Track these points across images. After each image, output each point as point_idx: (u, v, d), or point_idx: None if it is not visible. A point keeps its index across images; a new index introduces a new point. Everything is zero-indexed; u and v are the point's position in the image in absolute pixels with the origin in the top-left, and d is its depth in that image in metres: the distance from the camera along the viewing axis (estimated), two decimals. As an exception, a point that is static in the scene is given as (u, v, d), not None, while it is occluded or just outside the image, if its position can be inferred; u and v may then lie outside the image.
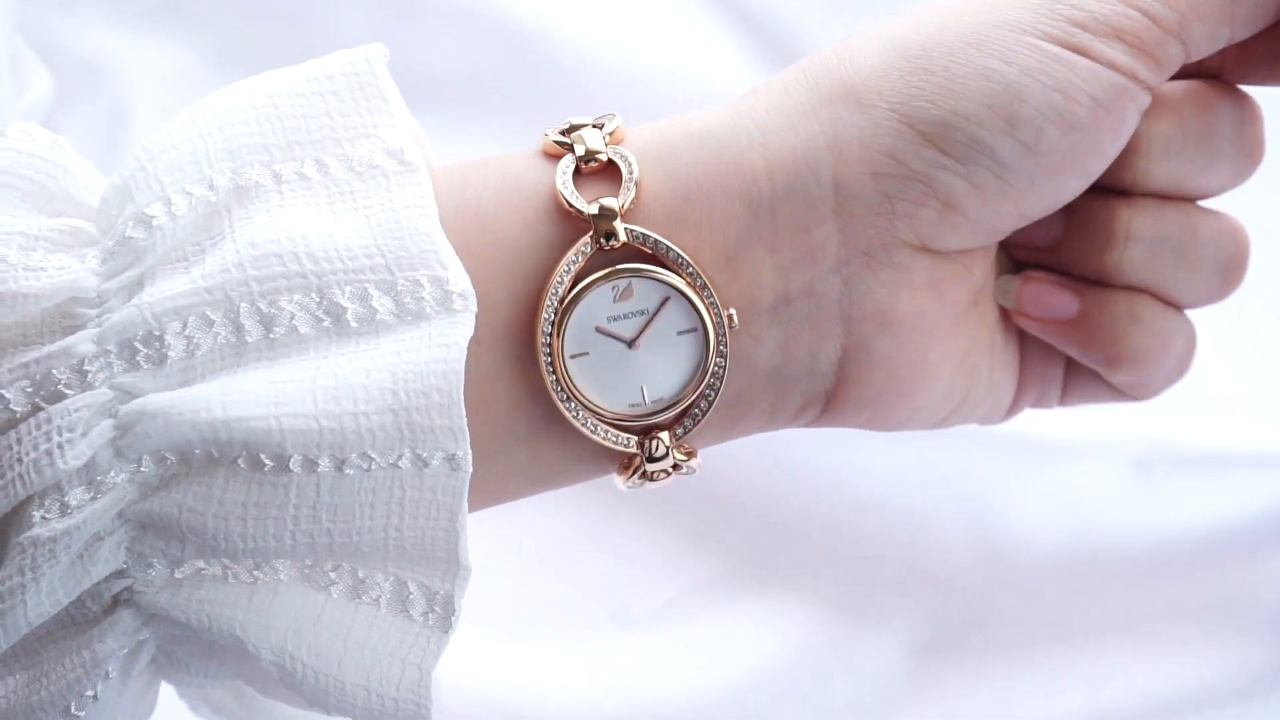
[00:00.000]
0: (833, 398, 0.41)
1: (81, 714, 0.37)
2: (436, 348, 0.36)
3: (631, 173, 0.39)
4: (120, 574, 0.37)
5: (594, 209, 0.39)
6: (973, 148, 0.39)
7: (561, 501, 0.58)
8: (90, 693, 0.37)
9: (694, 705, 0.56)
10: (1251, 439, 0.58)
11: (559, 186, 0.39)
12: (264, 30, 0.62)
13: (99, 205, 0.39)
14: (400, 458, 0.36)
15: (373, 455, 0.36)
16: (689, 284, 0.39)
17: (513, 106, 0.61)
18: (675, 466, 0.41)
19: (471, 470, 0.36)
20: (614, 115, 0.41)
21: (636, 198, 0.39)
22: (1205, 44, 0.40)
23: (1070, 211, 0.43)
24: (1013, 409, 0.45)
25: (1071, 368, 0.45)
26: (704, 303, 0.39)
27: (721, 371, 0.40)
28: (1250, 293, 0.64)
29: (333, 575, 0.38)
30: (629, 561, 0.58)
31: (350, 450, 0.36)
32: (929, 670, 0.58)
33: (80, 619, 0.37)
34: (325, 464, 0.36)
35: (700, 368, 0.40)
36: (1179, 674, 0.57)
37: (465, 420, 0.36)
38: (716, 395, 0.40)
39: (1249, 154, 0.43)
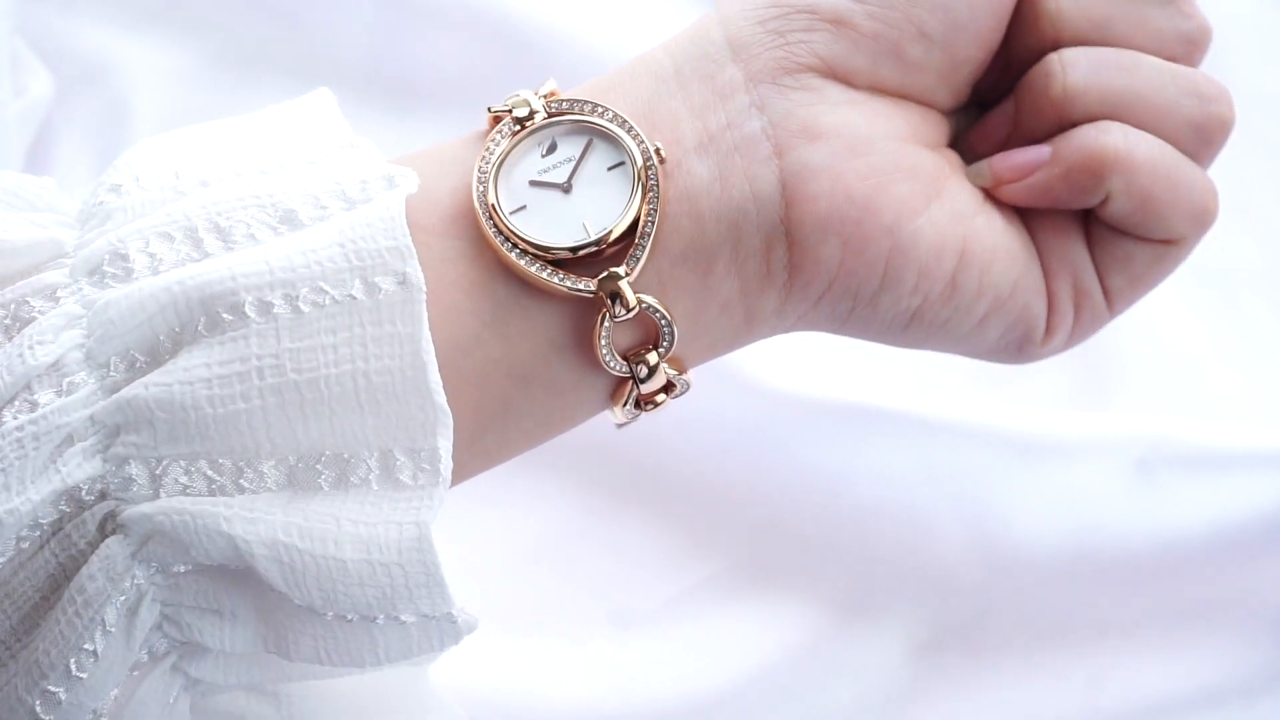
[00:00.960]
0: (791, 222, 0.41)
1: (84, 675, 0.36)
2: (379, 207, 0.38)
3: (548, 82, 0.43)
4: (103, 496, 0.37)
5: (514, 103, 0.42)
6: None
7: (561, 501, 0.58)
8: (89, 646, 0.36)
9: (694, 705, 0.56)
10: (1251, 439, 0.58)
11: (489, 109, 0.42)
12: (264, 30, 0.62)
13: (80, 208, 0.41)
14: (352, 287, 0.37)
15: (325, 288, 0.37)
16: (610, 122, 0.42)
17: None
18: (667, 386, 0.42)
19: (424, 289, 0.37)
20: (552, 84, 0.43)
21: (553, 93, 0.42)
22: None
23: (1017, 95, 0.44)
24: (1053, 310, 0.44)
25: (1099, 247, 0.45)
26: (625, 132, 0.41)
27: (655, 185, 0.41)
28: (1250, 292, 0.64)
29: (320, 468, 0.38)
30: (629, 561, 0.58)
31: (301, 285, 0.37)
32: (929, 670, 0.58)
33: (71, 567, 0.37)
34: (280, 304, 0.37)
35: (633, 187, 0.41)
36: (1179, 674, 0.57)
37: (409, 239, 0.37)
38: (655, 216, 0.41)
39: None
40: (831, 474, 0.58)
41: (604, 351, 0.41)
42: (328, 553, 0.37)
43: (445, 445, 0.38)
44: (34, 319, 0.37)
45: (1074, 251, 0.45)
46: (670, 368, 0.41)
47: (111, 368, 0.37)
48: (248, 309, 0.37)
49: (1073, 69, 0.43)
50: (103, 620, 0.36)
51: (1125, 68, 0.43)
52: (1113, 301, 0.45)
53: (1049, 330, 0.45)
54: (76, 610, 0.36)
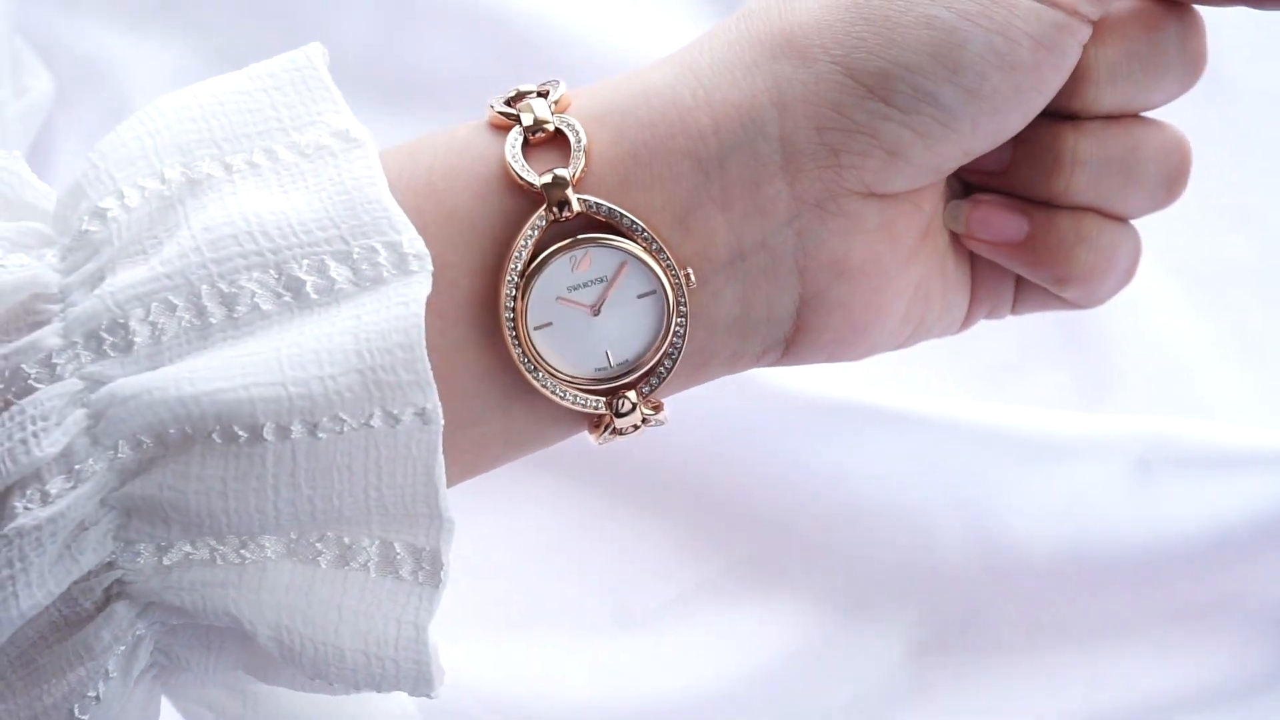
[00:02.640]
0: (791, 342, 0.42)
1: (85, 717, 0.37)
2: (395, 306, 0.37)
3: (580, 141, 0.40)
4: (110, 566, 0.37)
5: (546, 180, 0.39)
6: (916, 97, 0.40)
7: (561, 501, 0.58)
8: (92, 694, 0.37)
9: (694, 705, 0.56)
10: (1251, 439, 0.58)
11: (509, 160, 0.40)
12: (264, 30, 0.62)
13: (55, 208, 0.39)
14: (371, 417, 0.36)
15: (344, 417, 0.36)
16: (644, 248, 0.40)
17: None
18: (643, 421, 0.42)
19: (442, 423, 0.37)
20: (559, 82, 0.41)
21: (586, 165, 0.40)
22: None
23: (1018, 138, 0.43)
24: (966, 322, 0.46)
25: (1021, 280, 0.46)
26: (660, 265, 0.40)
27: (683, 330, 0.41)
28: (1249, 292, 0.64)
29: (319, 546, 0.38)
30: (629, 561, 0.58)
31: (321, 414, 0.36)
32: (928, 670, 0.58)
33: (74, 619, 0.37)
34: (298, 430, 0.36)
35: (662, 328, 0.41)
36: (1179, 674, 0.57)
37: (430, 373, 0.36)
38: (680, 353, 0.41)
39: (1193, 67, 0.43)
40: (831, 474, 0.58)
41: (600, 441, 0.42)
42: (328, 640, 0.38)
43: (448, 552, 0.38)
44: (31, 389, 0.37)
45: (1002, 286, 0.46)
46: (647, 407, 0.42)
47: (119, 450, 0.36)
48: (265, 433, 0.36)
49: (1080, 170, 0.43)
50: (106, 670, 0.37)
51: (1126, 167, 0.43)
52: (1016, 313, 0.47)
53: (956, 333, 0.46)
54: (83, 663, 0.37)
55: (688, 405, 0.52)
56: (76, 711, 0.37)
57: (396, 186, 0.39)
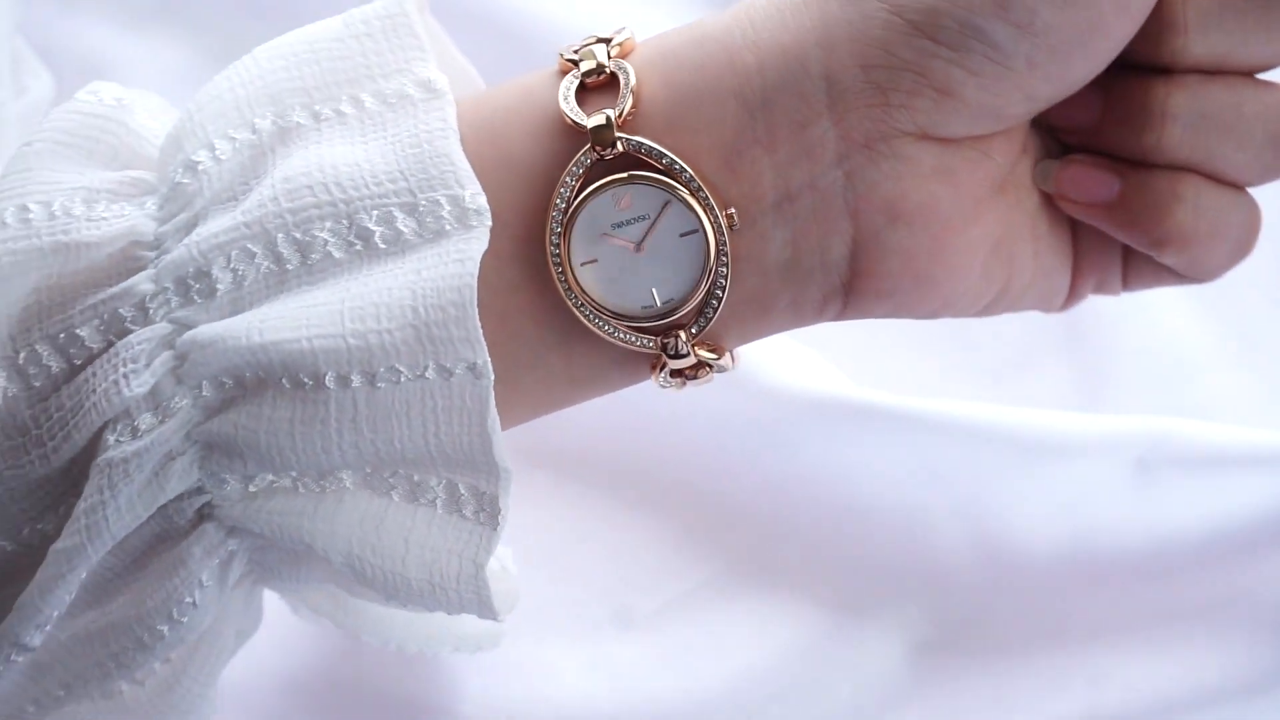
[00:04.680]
0: (851, 290, 0.42)
1: (184, 619, 0.41)
2: (452, 263, 0.38)
3: (628, 83, 0.40)
4: (200, 490, 0.40)
5: (596, 119, 0.40)
6: (963, 33, 0.39)
7: (562, 501, 0.58)
8: (189, 599, 0.41)
9: (694, 705, 0.56)
10: (1251, 439, 0.58)
11: (560, 102, 0.41)
12: (264, 30, 0.61)
13: (158, 156, 0.42)
14: (426, 369, 0.38)
15: (400, 368, 0.38)
16: (684, 187, 0.40)
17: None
18: (704, 365, 0.42)
19: (493, 377, 0.38)
20: (625, 29, 0.42)
21: (635, 107, 0.40)
22: None
23: (1109, 91, 0.42)
24: (1072, 296, 0.45)
25: (1131, 252, 0.45)
26: (700, 204, 0.40)
27: (726, 270, 0.41)
28: (1250, 291, 0.64)
29: (391, 480, 0.41)
30: (629, 561, 0.58)
31: (378, 365, 0.38)
32: (929, 670, 0.58)
33: (173, 534, 0.41)
34: (357, 380, 0.38)
35: (705, 267, 0.41)
36: (1179, 674, 0.57)
37: (480, 330, 0.38)
38: (725, 294, 0.41)
39: None
40: (831, 473, 0.58)
41: (662, 381, 0.42)
42: (395, 569, 0.41)
43: (505, 500, 0.40)
44: (128, 331, 0.39)
45: (1109, 260, 0.45)
46: (703, 350, 0.42)
47: (203, 390, 0.39)
48: (328, 381, 0.38)
49: (1172, 124, 0.41)
50: (200, 579, 0.41)
51: (1225, 124, 0.42)
52: (1129, 289, 0.46)
53: (1062, 309, 0.46)
54: (178, 573, 0.41)
55: (688, 405, 0.52)
56: (175, 614, 0.41)
57: (464, 134, 0.40)
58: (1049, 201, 0.44)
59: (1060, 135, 0.44)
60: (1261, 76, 0.43)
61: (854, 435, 0.58)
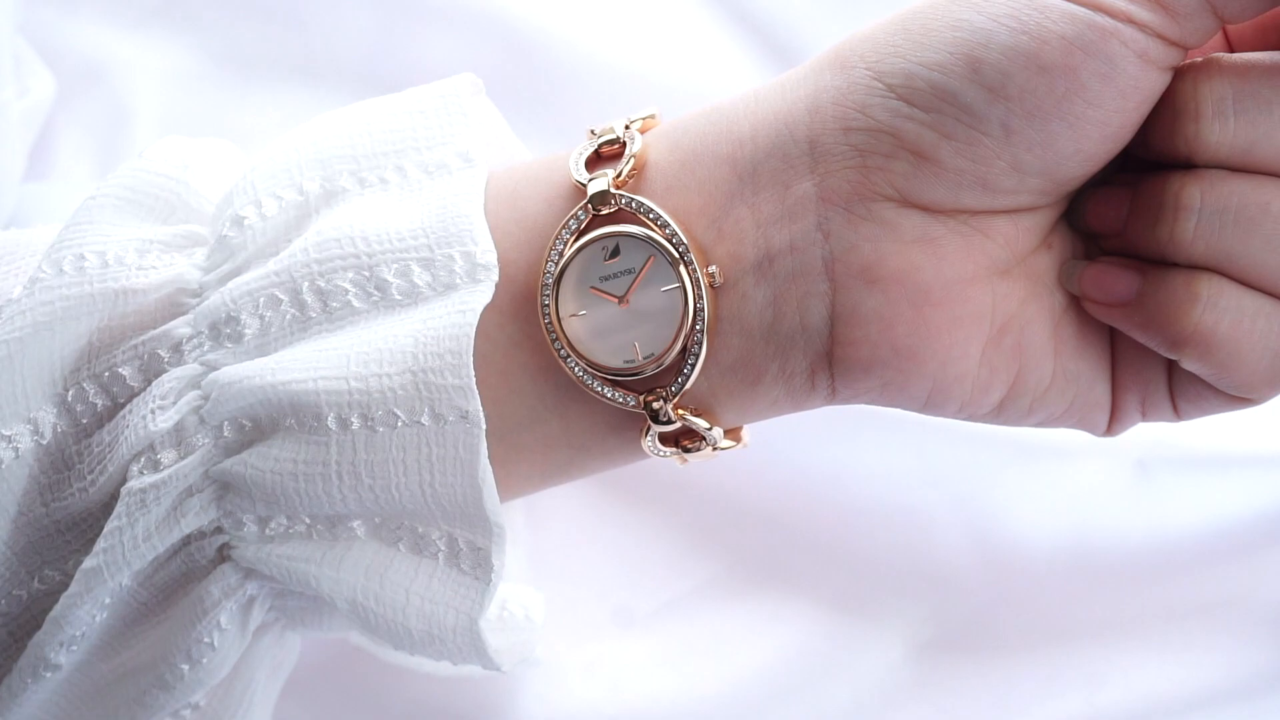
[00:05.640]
0: (834, 359, 0.42)
1: (203, 660, 0.42)
2: (455, 314, 0.40)
3: (631, 148, 0.42)
4: (219, 530, 0.42)
5: (592, 180, 0.42)
6: (935, 95, 0.39)
7: (561, 502, 0.58)
8: (207, 640, 0.42)
9: (694, 705, 0.56)
10: (1251, 439, 0.58)
11: (570, 165, 0.43)
12: (264, 30, 0.62)
13: (213, 211, 0.44)
14: (421, 415, 0.40)
15: (397, 413, 0.40)
16: (667, 241, 0.41)
17: (513, 107, 0.61)
18: (694, 434, 0.43)
19: (484, 426, 0.40)
20: (654, 114, 0.44)
21: (638, 169, 0.42)
22: None
23: (1136, 189, 0.41)
24: (1117, 416, 0.44)
25: (1175, 370, 0.43)
26: (681, 258, 0.41)
27: (702, 326, 0.41)
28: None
29: (398, 532, 0.42)
30: (629, 561, 0.58)
31: (376, 408, 0.40)
32: (929, 670, 0.58)
33: (196, 573, 0.43)
34: (356, 422, 0.40)
35: (682, 321, 0.41)
36: (1179, 674, 0.57)
37: (474, 379, 0.39)
38: (701, 349, 0.41)
39: None
40: (831, 474, 0.58)
41: (649, 446, 0.43)
42: (396, 619, 0.42)
43: (498, 557, 0.41)
44: (164, 370, 0.42)
45: (1151, 371, 0.43)
46: (691, 415, 0.43)
47: (224, 430, 0.41)
48: (329, 422, 0.40)
49: (1185, 217, 0.40)
50: (218, 622, 0.42)
51: (1247, 221, 0.39)
52: (1181, 417, 0.44)
53: (1109, 430, 0.44)
54: (197, 613, 0.42)
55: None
56: (194, 654, 0.42)
57: (488, 197, 0.42)
58: (1078, 306, 0.43)
59: (1101, 242, 0.43)
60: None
61: (854, 435, 0.58)
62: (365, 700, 0.55)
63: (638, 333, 0.42)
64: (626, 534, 0.59)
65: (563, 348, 0.42)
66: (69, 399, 0.42)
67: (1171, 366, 0.43)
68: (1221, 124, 0.39)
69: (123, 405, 0.42)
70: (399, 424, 0.40)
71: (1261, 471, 0.57)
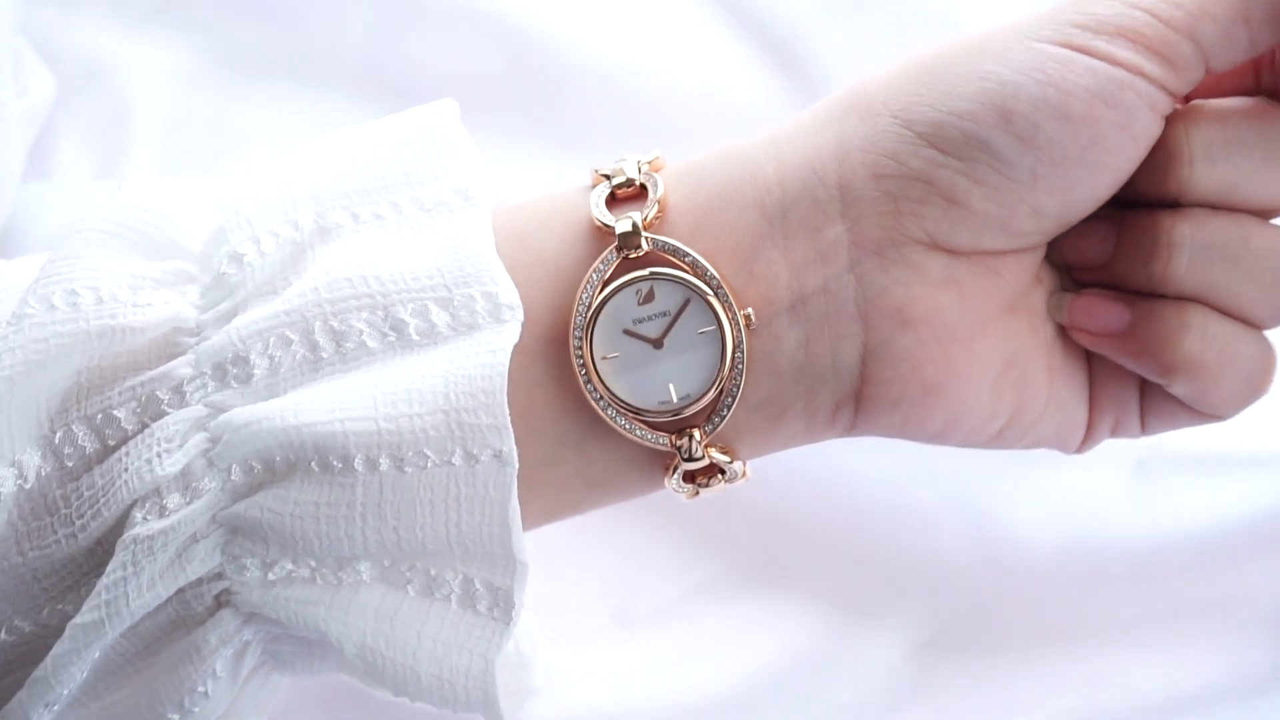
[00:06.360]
0: (862, 397, 0.43)
1: (195, 709, 0.41)
2: (484, 353, 0.40)
3: (656, 191, 0.42)
4: (219, 576, 0.41)
5: (623, 223, 0.42)
6: (968, 143, 0.41)
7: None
8: (201, 688, 0.41)
9: (694, 705, 0.56)
10: (1251, 439, 0.58)
11: (591, 207, 0.43)
12: (264, 30, 0.62)
13: (201, 248, 0.43)
14: (453, 455, 0.39)
15: (428, 453, 0.39)
16: (707, 284, 0.42)
17: (513, 108, 0.61)
18: (715, 469, 0.43)
19: (518, 466, 0.39)
20: (657, 153, 0.44)
21: (661, 213, 0.42)
22: (1223, 45, 0.41)
23: (1122, 227, 0.43)
24: (1090, 435, 0.46)
25: (1147, 391, 0.46)
26: (720, 301, 0.42)
27: (741, 366, 0.42)
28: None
29: (408, 574, 0.41)
30: (630, 561, 0.58)
31: (407, 449, 0.39)
32: (929, 670, 0.58)
33: (189, 620, 0.41)
34: (385, 463, 0.39)
35: (721, 364, 0.42)
36: (1179, 674, 0.57)
37: (508, 418, 0.39)
38: (739, 390, 0.42)
39: None
40: (831, 474, 0.58)
41: (674, 484, 0.44)
42: (406, 662, 0.41)
43: (520, 595, 0.41)
44: (164, 414, 0.40)
45: (1125, 392, 0.46)
46: (718, 451, 0.43)
47: (232, 473, 0.40)
48: (356, 464, 0.39)
49: (1178, 253, 0.42)
50: (214, 669, 0.41)
51: (1231, 256, 0.42)
52: (1147, 433, 0.47)
53: (1080, 448, 0.47)
54: (192, 661, 0.41)
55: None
56: (186, 703, 0.41)
57: (497, 237, 0.42)
58: (1064, 335, 0.45)
59: (1076, 274, 0.45)
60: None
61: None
62: (366, 700, 0.55)
63: (673, 374, 0.42)
64: (626, 534, 0.59)
65: (596, 390, 0.42)
66: (56, 441, 0.41)
67: (1144, 387, 0.45)
68: (1209, 167, 0.42)
69: (114, 448, 0.41)
70: (429, 464, 0.40)
71: (1261, 471, 0.57)
